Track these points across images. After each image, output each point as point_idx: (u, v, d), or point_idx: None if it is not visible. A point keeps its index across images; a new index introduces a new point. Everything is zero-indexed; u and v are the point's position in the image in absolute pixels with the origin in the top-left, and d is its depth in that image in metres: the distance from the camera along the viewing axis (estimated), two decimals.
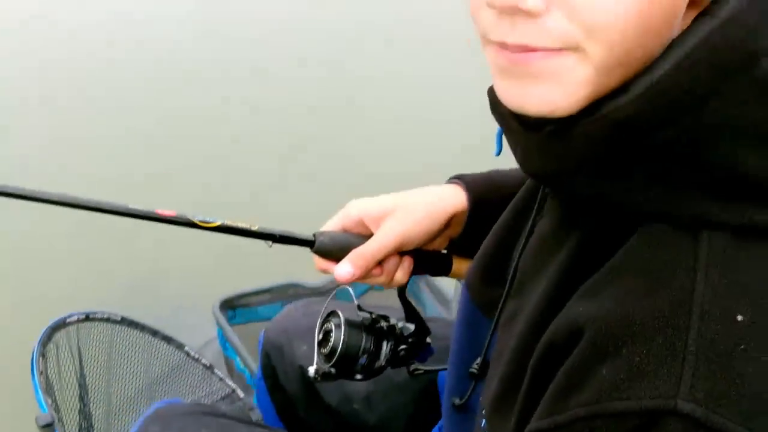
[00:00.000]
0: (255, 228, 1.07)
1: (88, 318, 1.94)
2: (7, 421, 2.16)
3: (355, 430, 1.38)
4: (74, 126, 3.44)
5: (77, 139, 3.35)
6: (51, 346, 1.79)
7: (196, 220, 1.04)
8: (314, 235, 1.09)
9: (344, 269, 1.06)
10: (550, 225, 0.81)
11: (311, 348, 1.28)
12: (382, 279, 1.11)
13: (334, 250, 1.08)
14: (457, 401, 0.98)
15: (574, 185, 0.70)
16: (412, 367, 1.17)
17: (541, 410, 0.67)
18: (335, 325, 1.12)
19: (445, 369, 1.10)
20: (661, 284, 0.63)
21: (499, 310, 0.87)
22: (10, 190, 1.00)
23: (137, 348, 2.03)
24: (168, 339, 2.06)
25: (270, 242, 1.08)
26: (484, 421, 0.81)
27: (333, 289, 2.24)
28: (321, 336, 1.14)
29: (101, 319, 1.97)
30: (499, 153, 0.89)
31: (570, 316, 0.68)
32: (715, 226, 0.63)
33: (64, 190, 1.02)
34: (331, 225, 1.12)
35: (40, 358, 1.72)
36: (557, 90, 0.65)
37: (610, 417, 0.61)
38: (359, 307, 1.14)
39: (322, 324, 1.14)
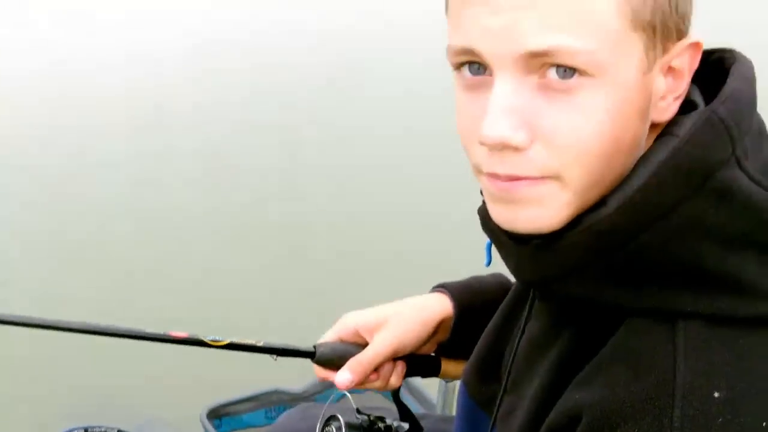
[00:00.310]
0: (260, 344, 1.16)
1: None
2: None
3: None
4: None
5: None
6: None
7: (207, 339, 1.13)
8: (314, 347, 1.19)
9: (344, 377, 1.16)
10: (539, 326, 0.91)
11: None
12: (378, 384, 1.20)
13: (334, 359, 1.17)
14: None
15: (562, 289, 0.80)
16: None
17: None
18: (336, 428, 1.20)
19: None
20: (646, 370, 0.73)
21: (497, 405, 0.97)
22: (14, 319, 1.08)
23: None
24: None
25: (275, 356, 1.18)
26: None
27: (315, 394, 2.33)
28: None
29: None
30: (489, 263, 1.00)
31: (568, 405, 0.77)
32: (689, 316, 0.74)
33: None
34: (329, 336, 1.22)
35: None
36: (543, 212, 0.77)
37: None
38: (358, 411, 1.23)
39: (323, 428, 1.23)
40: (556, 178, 0.76)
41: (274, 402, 2.33)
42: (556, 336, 0.86)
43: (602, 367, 0.77)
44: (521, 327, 0.96)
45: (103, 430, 2.06)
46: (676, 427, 0.69)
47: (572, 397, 0.78)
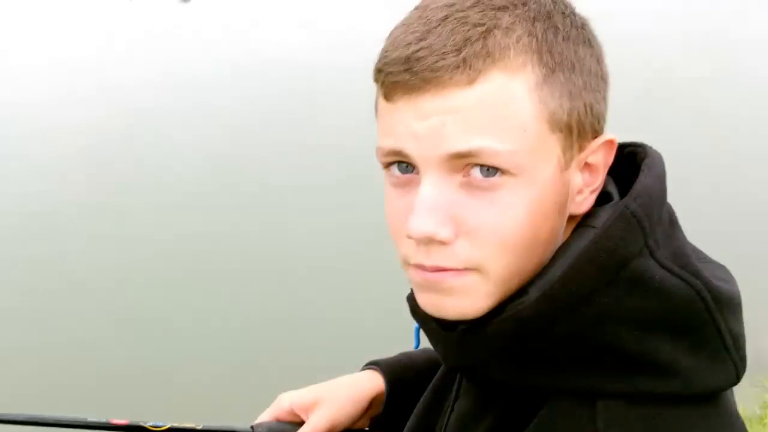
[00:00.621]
0: (200, 427, 1.21)
1: None
2: None
3: None
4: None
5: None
6: None
7: (148, 425, 1.17)
8: (252, 427, 1.23)
9: None
10: (467, 405, 0.96)
11: None
12: None
13: None
14: None
15: (487, 373, 0.87)
16: None
17: None
18: None
19: None
20: None
21: None
22: None
23: None
24: None
25: None
26: None
27: None
28: None
29: None
30: (417, 346, 1.07)
31: None
32: (609, 396, 0.80)
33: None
34: (266, 416, 1.26)
35: None
36: (466, 301, 0.83)
37: None
38: None
39: None
40: (478, 270, 0.82)
41: None
42: (482, 415, 0.91)
43: None
44: (450, 405, 1.01)
45: None
46: None
47: None
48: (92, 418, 1.16)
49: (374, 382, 1.28)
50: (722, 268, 0.89)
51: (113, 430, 1.17)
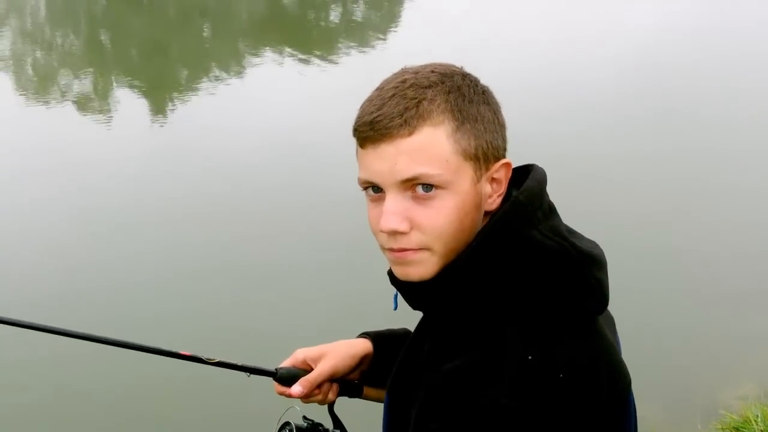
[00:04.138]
0: (239, 363, 1.68)
1: None
2: None
3: None
4: None
5: None
6: None
7: (204, 357, 1.65)
8: (276, 369, 1.71)
9: (297, 389, 1.66)
10: (430, 338, 1.42)
11: None
12: (319, 397, 1.70)
13: (289, 378, 1.68)
14: None
15: (436, 308, 1.35)
16: None
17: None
18: (289, 430, 1.70)
19: None
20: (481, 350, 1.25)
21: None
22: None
23: None
24: None
25: (248, 374, 1.69)
26: None
27: None
28: None
29: None
30: (396, 308, 1.51)
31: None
32: (512, 320, 1.26)
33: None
34: (285, 363, 1.73)
35: None
36: (422, 269, 1.31)
37: None
38: (304, 417, 1.74)
39: (279, 430, 1.73)
40: (427, 249, 1.30)
41: None
42: (427, 339, 1.39)
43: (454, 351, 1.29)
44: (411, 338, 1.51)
45: None
46: None
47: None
48: (165, 347, 1.64)
49: (365, 345, 1.74)
50: (591, 241, 1.37)
51: (180, 358, 1.63)
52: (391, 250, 1.31)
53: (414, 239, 1.28)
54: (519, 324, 1.26)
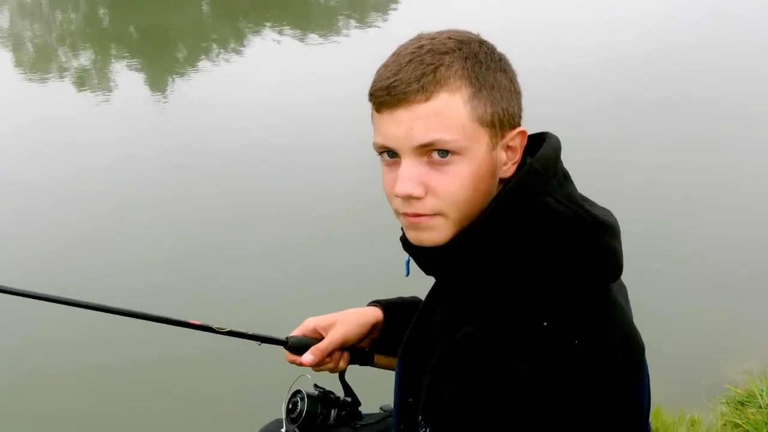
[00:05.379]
0: (250, 332, 1.67)
1: None
2: None
3: None
4: None
5: None
6: None
7: (214, 327, 1.64)
8: (287, 338, 1.70)
9: (308, 358, 1.66)
10: (442, 305, 1.43)
11: None
12: (330, 365, 1.70)
13: (300, 347, 1.68)
14: (402, 426, 1.49)
15: (450, 274, 1.34)
16: (353, 423, 1.74)
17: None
18: (300, 398, 1.70)
19: (375, 422, 1.71)
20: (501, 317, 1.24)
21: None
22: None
23: None
24: None
25: (259, 342, 1.68)
26: (423, 430, 1.33)
27: None
28: (290, 406, 1.71)
29: None
30: (408, 274, 1.51)
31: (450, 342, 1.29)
32: (528, 289, 1.25)
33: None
34: (296, 332, 1.73)
35: None
36: (436, 235, 1.31)
37: None
38: (315, 386, 1.73)
39: (290, 399, 1.72)
40: (441, 215, 1.29)
41: None
42: (439, 305, 1.40)
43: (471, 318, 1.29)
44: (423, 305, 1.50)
45: None
46: None
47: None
48: (175, 317, 1.63)
49: (376, 314, 1.75)
50: (605, 209, 1.36)
51: (190, 327, 1.63)
52: (406, 214, 1.30)
53: (429, 204, 1.28)
54: (533, 290, 1.25)
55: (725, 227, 5.51)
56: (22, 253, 5.18)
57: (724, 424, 3.49)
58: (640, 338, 1.33)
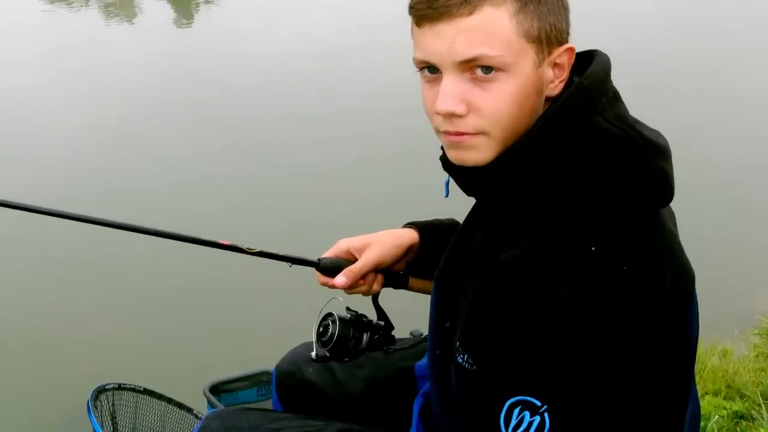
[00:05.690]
0: (281, 253, 1.63)
1: (120, 387, 2.46)
2: None
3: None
4: None
5: None
6: (98, 402, 2.31)
7: (244, 247, 1.60)
8: (319, 260, 1.66)
9: (340, 280, 1.61)
10: (484, 227, 1.37)
11: (316, 369, 1.82)
12: (364, 288, 1.66)
13: (332, 268, 1.63)
14: (438, 352, 1.44)
15: (492, 194, 1.29)
16: (386, 348, 1.71)
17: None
18: (331, 321, 1.66)
19: (408, 347, 1.69)
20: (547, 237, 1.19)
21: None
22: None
23: (155, 412, 2.53)
24: (180, 405, 2.56)
25: (290, 264, 1.64)
26: (461, 356, 1.26)
27: None
28: (321, 329, 1.68)
29: (129, 389, 2.49)
30: (447, 195, 1.46)
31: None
32: (573, 208, 1.19)
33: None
34: (328, 254, 1.68)
35: (94, 408, 2.24)
36: (478, 155, 1.25)
37: None
38: (348, 308, 1.70)
39: (321, 321, 1.69)
40: (484, 134, 1.23)
41: (264, 382, 2.72)
42: (481, 226, 1.35)
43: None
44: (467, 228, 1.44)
45: (132, 387, 2.49)
46: None
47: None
48: (205, 237, 1.59)
49: (411, 235, 1.70)
50: (655, 130, 1.29)
51: (219, 247, 1.58)
52: (447, 133, 1.25)
53: (471, 123, 1.22)
54: (581, 213, 1.20)
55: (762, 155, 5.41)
56: (49, 173, 5.18)
57: (756, 355, 3.44)
58: (691, 267, 1.28)
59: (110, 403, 2.39)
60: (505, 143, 1.24)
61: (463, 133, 1.23)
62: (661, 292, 1.18)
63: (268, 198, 4.85)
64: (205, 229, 1.76)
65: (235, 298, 3.87)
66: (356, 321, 1.68)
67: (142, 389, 2.53)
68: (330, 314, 1.69)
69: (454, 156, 1.28)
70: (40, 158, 5.54)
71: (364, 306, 1.73)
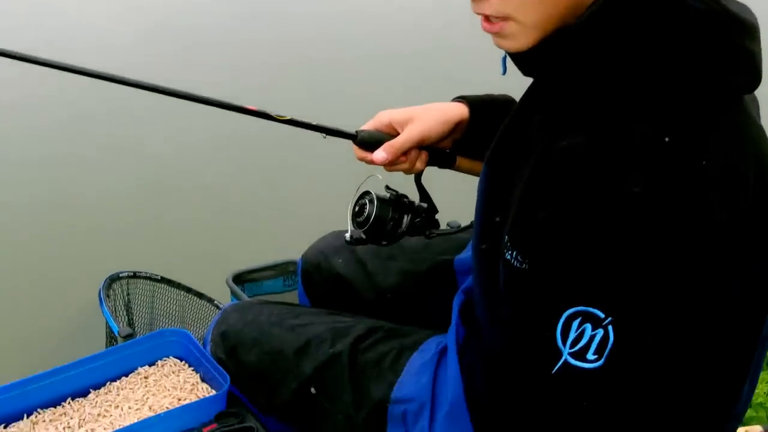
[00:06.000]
0: (314, 123, 1.46)
1: (135, 275, 2.32)
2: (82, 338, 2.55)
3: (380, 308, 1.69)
4: None
5: None
6: (110, 291, 2.17)
7: (273, 114, 1.43)
8: (356, 132, 1.48)
9: (380, 155, 1.44)
10: (540, 111, 1.19)
11: (345, 260, 1.66)
12: (406, 166, 1.49)
13: (371, 142, 1.46)
14: (484, 246, 1.27)
15: (554, 74, 1.13)
16: (428, 232, 1.54)
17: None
18: (369, 201, 1.49)
19: (453, 232, 1.51)
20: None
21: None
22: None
23: (174, 302, 2.40)
24: (200, 294, 2.43)
25: (324, 135, 1.47)
26: (509, 253, 1.11)
27: None
28: (357, 209, 1.51)
29: (145, 277, 2.35)
30: (504, 72, 1.28)
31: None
32: (645, 100, 1.00)
33: None
34: (367, 126, 1.50)
35: (106, 298, 2.10)
36: (513, 42, 1.12)
37: None
38: (387, 187, 1.52)
39: (358, 200, 1.52)
40: (512, 19, 1.09)
41: (290, 272, 2.57)
42: (537, 109, 1.19)
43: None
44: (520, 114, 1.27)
45: (149, 275, 2.36)
46: None
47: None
48: (232, 102, 1.41)
49: (461, 110, 1.51)
50: (743, 4, 1.10)
51: (245, 113, 1.40)
52: (481, 17, 1.14)
53: (494, 5, 1.10)
54: (653, 99, 1.01)
55: None
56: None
57: None
58: None
59: (125, 293, 2.26)
60: (544, 27, 1.09)
61: (485, 15, 1.13)
62: (744, 194, 1.01)
63: (302, 64, 4.58)
64: (230, 93, 1.56)
65: (261, 180, 3.62)
66: (396, 201, 1.51)
67: (159, 277, 2.39)
68: (367, 192, 1.52)
69: (494, 41, 1.17)
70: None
71: (405, 186, 1.56)
